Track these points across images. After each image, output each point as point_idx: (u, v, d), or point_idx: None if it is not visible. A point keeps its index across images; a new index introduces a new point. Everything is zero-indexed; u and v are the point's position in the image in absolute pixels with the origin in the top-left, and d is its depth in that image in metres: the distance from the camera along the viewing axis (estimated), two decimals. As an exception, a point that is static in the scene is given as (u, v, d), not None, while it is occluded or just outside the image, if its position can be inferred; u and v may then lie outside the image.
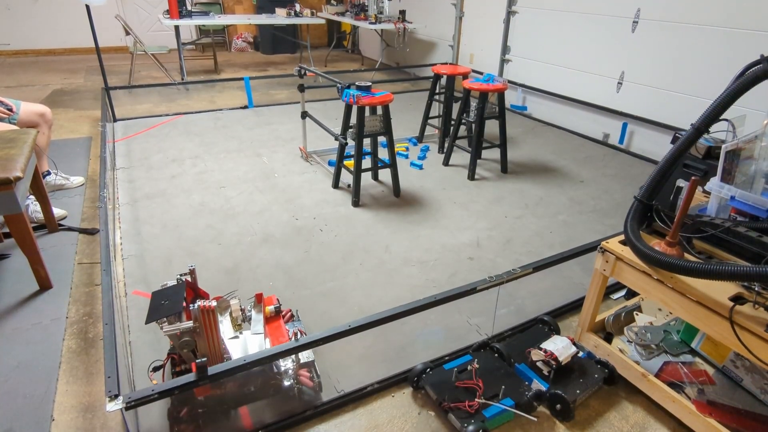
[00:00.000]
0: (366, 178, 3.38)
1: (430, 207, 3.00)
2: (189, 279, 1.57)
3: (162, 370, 1.56)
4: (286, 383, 1.58)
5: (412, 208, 2.99)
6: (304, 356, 1.61)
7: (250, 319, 1.68)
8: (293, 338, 1.57)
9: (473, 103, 3.45)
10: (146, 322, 1.39)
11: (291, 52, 8.33)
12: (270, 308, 1.72)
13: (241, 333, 1.61)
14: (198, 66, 7.00)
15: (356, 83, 2.89)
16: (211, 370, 1.30)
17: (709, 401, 1.52)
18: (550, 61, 4.79)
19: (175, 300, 1.43)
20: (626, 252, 1.54)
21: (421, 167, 3.62)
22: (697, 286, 1.36)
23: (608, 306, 2.13)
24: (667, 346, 1.72)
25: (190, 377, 1.28)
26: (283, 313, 1.76)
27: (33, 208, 2.59)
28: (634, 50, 3.94)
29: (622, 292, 2.22)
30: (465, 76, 3.81)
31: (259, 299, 1.72)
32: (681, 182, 1.60)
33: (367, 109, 2.88)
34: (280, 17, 6.56)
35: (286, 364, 1.59)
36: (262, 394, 1.56)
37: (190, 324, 1.37)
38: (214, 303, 1.40)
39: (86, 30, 7.20)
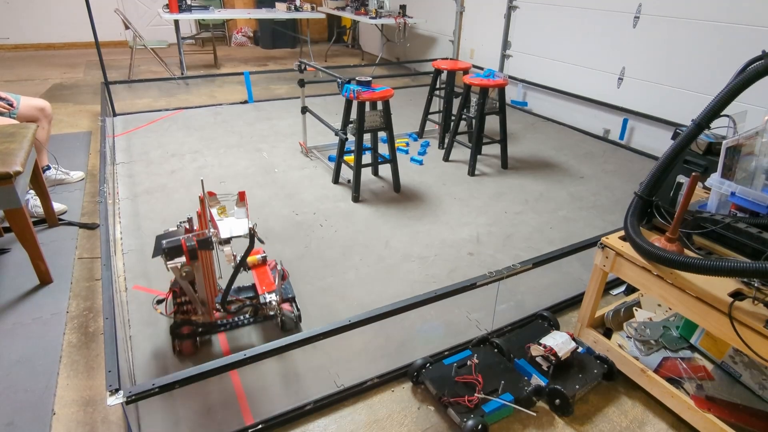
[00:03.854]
0: (366, 173, 3.38)
1: (430, 202, 3.00)
2: (187, 226, 1.77)
3: (165, 302, 1.90)
4: (271, 313, 1.89)
5: (412, 203, 2.99)
6: (287, 293, 1.97)
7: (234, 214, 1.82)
8: (277, 276, 1.98)
9: (474, 99, 3.44)
10: (153, 257, 1.76)
11: (291, 47, 8.30)
12: (257, 257, 1.96)
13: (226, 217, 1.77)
14: (198, 61, 6.97)
15: (356, 78, 2.88)
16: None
17: (707, 397, 1.53)
18: (550, 57, 4.78)
19: (176, 239, 1.64)
20: (626, 248, 1.54)
21: (421, 163, 3.61)
22: (697, 282, 1.36)
23: (608, 302, 2.14)
24: (666, 341, 1.73)
25: (191, 371, 1.28)
26: (268, 263, 2.00)
27: (33, 202, 2.59)
28: (635, 46, 3.93)
29: (622, 288, 2.23)
30: (465, 71, 3.80)
31: (241, 197, 1.83)
32: (681, 178, 1.60)
33: (367, 104, 2.87)
34: (280, 12, 6.54)
35: (272, 297, 1.85)
36: (252, 321, 1.93)
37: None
38: (209, 233, 1.66)
39: (85, 24, 7.21)
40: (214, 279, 1.79)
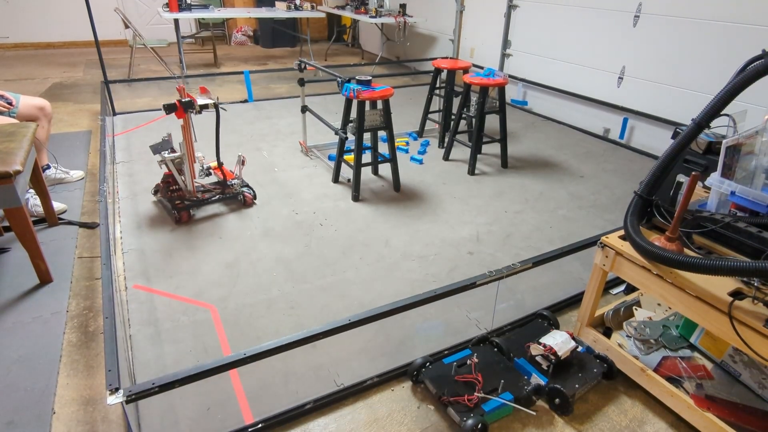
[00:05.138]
0: (366, 172, 3.37)
1: (430, 202, 3.00)
2: (170, 135, 2.60)
3: (160, 190, 2.75)
4: (235, 192, 2.83)
5: (412, 202, 2.98)
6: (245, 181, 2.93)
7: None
8: (237, 165, 2.87)
9: (474, 98, 3.44)
10: (153, 153, 2.60)
11: (291, 46, 8.30)
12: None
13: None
14: (197, 59, 6.97)
15: (356, 77, 2.88)
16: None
17: (707, 396, 1.53)
18: (551, 56, 4.78)
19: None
20: (626, 247, 1.54)
21: (421, 162, 3.61)
22: (697, 282, 1.36)
23: (607, 301, 2.14)
24: (665, 341, 1.73)
25: (191, 370, 1.29)
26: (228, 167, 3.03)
27: (33, 201, 2.59)
28: (635, 45, 3.93)
29: (622, 287, 2.23)
30: (465, 70, 3.79)
31: (202, 90, 2.66)
32: (681, 177, 1.60)
33: (367, 103, 2.87)
34: (280, 10, 6.53)
35: (235, 181, 2.85)
36: (222, 198, 2.82)
37: (178, 153, 2.59)
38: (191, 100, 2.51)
39: (85, 23, 7.21)
40: (193, 168, 2.67)
